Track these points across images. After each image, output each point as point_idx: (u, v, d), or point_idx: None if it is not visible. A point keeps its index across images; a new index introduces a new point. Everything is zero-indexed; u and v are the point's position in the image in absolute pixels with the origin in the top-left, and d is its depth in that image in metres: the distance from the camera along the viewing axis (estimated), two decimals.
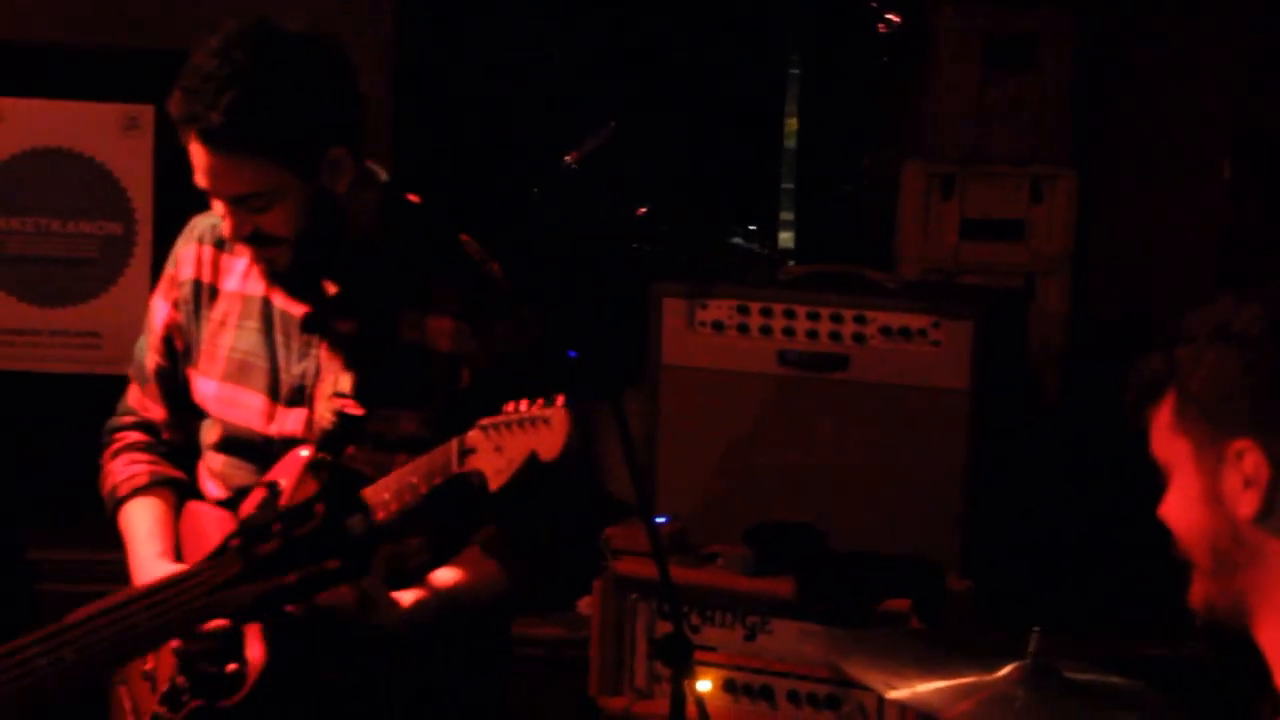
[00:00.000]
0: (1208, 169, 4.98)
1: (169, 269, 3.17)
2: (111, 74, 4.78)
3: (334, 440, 2.78)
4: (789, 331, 4.17)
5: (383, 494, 2.75)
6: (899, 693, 2.62)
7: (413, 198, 3.10)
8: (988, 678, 2.58)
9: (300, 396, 2.99)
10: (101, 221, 4.86)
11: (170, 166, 3.18)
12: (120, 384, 3.29)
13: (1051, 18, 5.00)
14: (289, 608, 2.49)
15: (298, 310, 3.00)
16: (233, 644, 2.86)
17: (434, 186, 3.40)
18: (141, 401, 3.23)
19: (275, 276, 2.98)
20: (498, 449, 2.68)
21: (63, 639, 2.26)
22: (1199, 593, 1.94)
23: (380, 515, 2.70)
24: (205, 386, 3.09)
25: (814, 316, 4.15)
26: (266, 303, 3.04)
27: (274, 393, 3.01)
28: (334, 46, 2.92)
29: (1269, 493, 1.85)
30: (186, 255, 3.13)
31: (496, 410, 2.70)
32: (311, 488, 2.60)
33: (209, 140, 2.82)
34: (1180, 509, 1.93)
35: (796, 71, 5.62)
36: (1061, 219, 5.00)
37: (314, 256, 2.93)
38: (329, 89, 2.88)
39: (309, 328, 2.99)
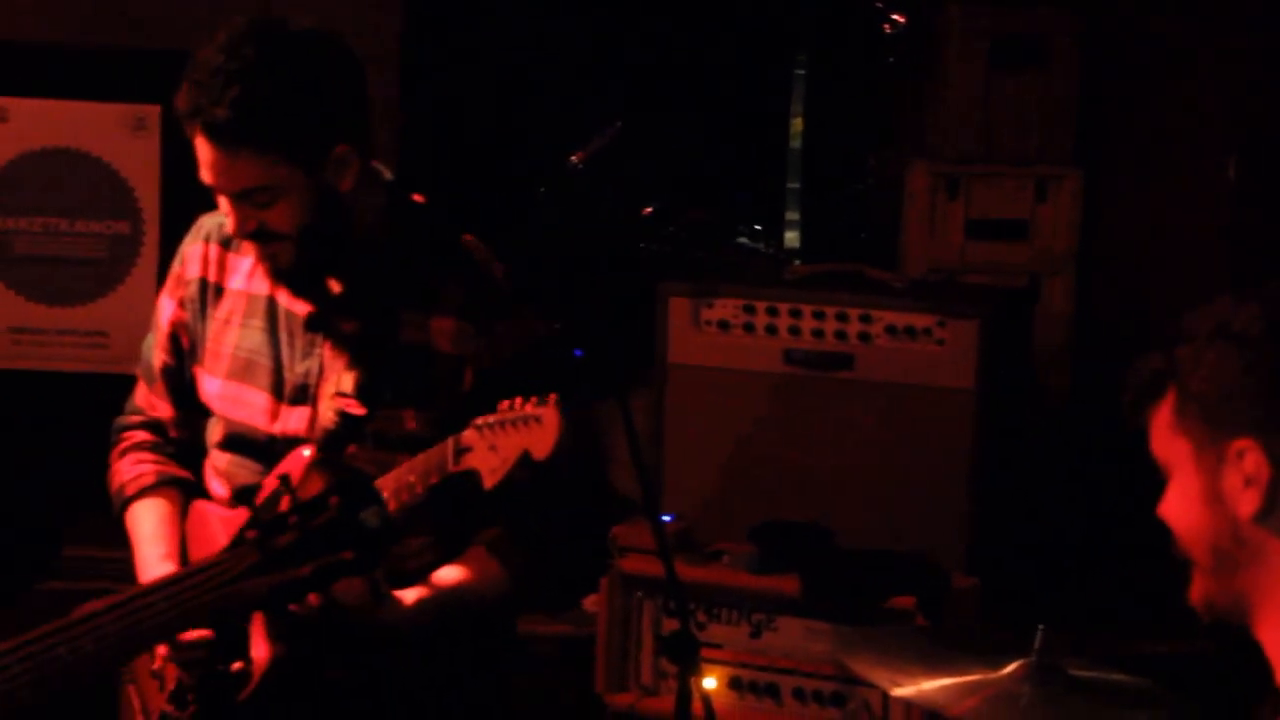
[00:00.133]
0: (1210, 169, 4.99)
1: (175, 268, 3.17)
2: (119, 74, 4.79)
3: (335, 439, 2.78)
4: (794, 331, 4.17)
5: (382, 492, 2.75)
6: (904, 690, 2.61)
7: (417, 198, 3.10)
8: (993, 675, 2.58)
9: (304, 395, 2.99)
10: (109, 221, 4.87)
11: (177, 166, 3.18)
12: (127, 383, 3.29)
13: (1057, 18, 5.00)
14: (302, 600, 2.51)
15: (302, 309, 3.00)
16: (238, 643, 2.86)
17: (439, 186, 3.41)
18: (149, 400, 3.23)
19: (279, 275, 2.98)
20: (492, 448, 2.67)
21: (82, 629, 2.28)
22: (1199, 591, 1.95)
23: (391, 508, 2.71)
24: (210, 385, 3.10)
25: (819, 316, 4.16)
26: (271, 302, 3.04)
27: (278, 391, 3.01)
28: (341, 44, 2.92)
29: (1269, 492, 1.85)
30: (193, 254, 3.14)
31: (496, 410, 2.71)
32: (317, 485, 2.61)
33: (214, 134, 2.82)
34: (1180, 508, 1.93)
35: (802, 71, 5.62)
36: (1066, 219, 5.00)
37: (318, 254, 2.92)
38: (335, 86, 2.88)
39: (313, 327, 3.00)
